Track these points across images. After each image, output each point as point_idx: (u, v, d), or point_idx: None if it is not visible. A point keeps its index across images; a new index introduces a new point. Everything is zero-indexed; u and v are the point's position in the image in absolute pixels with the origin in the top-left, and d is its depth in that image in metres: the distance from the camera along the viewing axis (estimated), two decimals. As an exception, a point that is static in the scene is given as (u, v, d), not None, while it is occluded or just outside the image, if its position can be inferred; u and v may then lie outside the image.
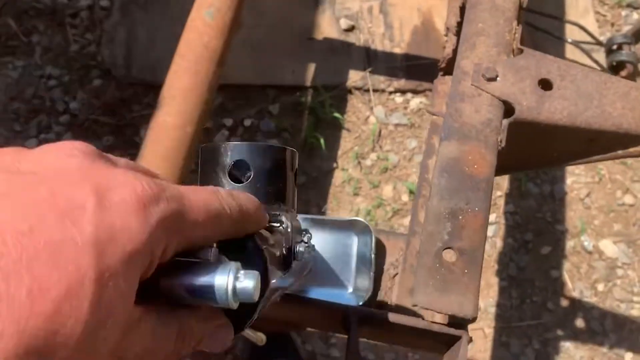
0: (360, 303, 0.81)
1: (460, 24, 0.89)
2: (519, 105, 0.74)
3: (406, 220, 1.60)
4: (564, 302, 1.52)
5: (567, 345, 1.47)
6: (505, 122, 0.74)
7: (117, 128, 1.71)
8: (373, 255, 0.78)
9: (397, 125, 1.73)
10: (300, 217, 0.80)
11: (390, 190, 1.64)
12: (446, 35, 0.97)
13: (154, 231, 0.25)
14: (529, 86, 0.76)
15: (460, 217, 0.69)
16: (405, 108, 1.76)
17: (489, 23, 0.82)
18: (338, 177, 1.67)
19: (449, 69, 0.97)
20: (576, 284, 1.53)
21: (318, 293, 0.82)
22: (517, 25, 0.82)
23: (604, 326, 1.48)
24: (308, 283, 0.76)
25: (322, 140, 1.66)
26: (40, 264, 0.21)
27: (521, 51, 0.79)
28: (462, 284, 0.65)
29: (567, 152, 0.85)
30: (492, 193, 0.72)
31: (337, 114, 1.71)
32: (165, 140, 1.08)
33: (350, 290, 0.82)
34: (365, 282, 0.80)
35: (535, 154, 0.87)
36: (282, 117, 1.74)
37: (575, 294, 1.52)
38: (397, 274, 0.86)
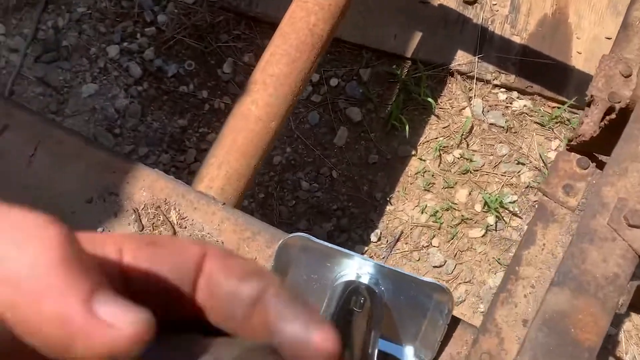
0: None
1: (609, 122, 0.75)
2: (657, 269, 0.63)
3: (473, 232, 1.51)
4: (611, 362, 1.44)
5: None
6: (635, 283, 0.63)
7: (201, 54, 1.62)
8: (446, 326, 0.73)
9: (492, 125, 1.58)
10: (378, 264, 0.75)
11: (465, 195, 1.53)
12: (589, 104, 0.82)
13: None
14: (676, 247, 0.63)
15: (547, 387, 0.61)
16: (507, 108, 1.59)
17: (652, 146, 0.68)
18: (413, 166, 1.56)
19: (577, 148, 0.84)
20: (631, 347, 1.45)
21: (382, 344, 0.79)
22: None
23: (645, 397, 1.41)
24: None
25: (406, 126, 1.54)
26: None
27: (681, 197, 0.65)
28: None
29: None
30: None
31: (430, 98, 1.57)
32: (246, 132, 1.00)
33: (413, 350, 0.78)
34: (429, 349, 0.76)
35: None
36: (371, 85, 1.61)
37: (627, 358, 1.44)
38: (454, 370, 0.80)
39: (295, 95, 1.04)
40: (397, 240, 1.51)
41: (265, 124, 1.01)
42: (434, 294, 0.74)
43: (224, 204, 0.86)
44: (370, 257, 1.46)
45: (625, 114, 0.74)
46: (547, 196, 0.85)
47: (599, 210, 0.65)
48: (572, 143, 0.84)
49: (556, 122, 1.58)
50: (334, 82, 1.60)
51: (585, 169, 0.85)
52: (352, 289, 0.74)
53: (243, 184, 0.99)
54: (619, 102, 0.76)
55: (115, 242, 0.22)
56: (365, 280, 0.78)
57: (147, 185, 0.86)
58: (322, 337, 0.21)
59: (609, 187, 0.66)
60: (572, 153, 0.86)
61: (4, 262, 0.18)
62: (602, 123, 0.77)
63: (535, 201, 1.52)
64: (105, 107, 1.56)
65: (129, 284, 0.22)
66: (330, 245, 0.76)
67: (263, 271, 0.23)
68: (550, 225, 0.85)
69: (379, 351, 0.79)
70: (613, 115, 0.76)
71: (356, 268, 0.79)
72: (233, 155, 0.98)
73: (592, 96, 0.81)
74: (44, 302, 0.18)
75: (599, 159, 0.85)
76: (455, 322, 0.82)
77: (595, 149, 0.86)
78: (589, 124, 0.80)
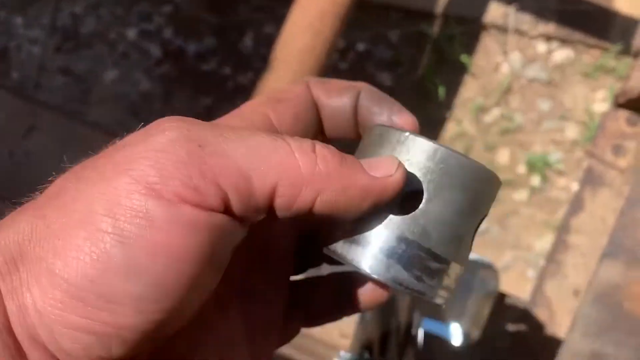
0: (465, 345, 0.73)
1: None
2: None
3: (517, 195, 1.43)
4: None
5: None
6: (698, 249, 0.56)
7: (220, 29, 1.57)
8: (493, 301, 0.68)
9: (532, 80, 1.48)
10: None
11: (507, 157, 1.45)
12: (636, 54, 0.74)
13: None
14: None
15: (603, 368, 0.55)
16: (547, 60, 1.49)
17: None
18: (449, 130, 1.48)
19: (626, 105, 0.76)
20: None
21: (426, 323, 0.75)
22: None
23: None
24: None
25: (440, 88, 1.46)
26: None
27: None
28: None
29: None
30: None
31: (464, 56, 1.48)
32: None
33: (459, 327, 0.74)
34: (476, 326, 0.72)
35: None
36: (401, 47, 1.52)
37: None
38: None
39: (320, 68, 0.98)
40: (437, 208, 1.45)
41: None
42: (480, 270, 0.69)
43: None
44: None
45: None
46: (594, 158, 0.78)
47: (654, 169, 0.58)
48: (620, 100, 0.76)
49: (601, 72, 1.46)
50: (360, 47, 1.53)
51: (635, 126, 0.77)
52: None
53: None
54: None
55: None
56: None
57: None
58: (404, 121, 0.27)
59: (665, 142, 0.58)
60: (621, 110, 0.78)
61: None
62: (654, 70, 0.69)
63: (582, 158, 1.42)
64: (129, 91, 1.54)
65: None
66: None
67: (353, 84, 0.29)
68: (599, 190, 0.77)
69: (425, 331, 0.75)
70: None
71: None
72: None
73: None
74: (344, 183, 0.23)
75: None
76: (502, 297, 0.77)
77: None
78: (638, 78, 0.72)
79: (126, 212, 0.20)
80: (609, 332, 0.55)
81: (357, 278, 0.28)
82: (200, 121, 0.23)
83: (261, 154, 0.22)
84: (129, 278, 0.20)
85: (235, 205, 0.22)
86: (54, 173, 0.23)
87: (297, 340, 0.67)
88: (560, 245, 0.74)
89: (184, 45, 1.56)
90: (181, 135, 0.22)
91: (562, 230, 0.75)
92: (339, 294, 0.28)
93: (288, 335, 0.30)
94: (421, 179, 0.24)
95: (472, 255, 0.66)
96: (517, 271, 1.40)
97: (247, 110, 0.27)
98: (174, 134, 0.22)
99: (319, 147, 0.23)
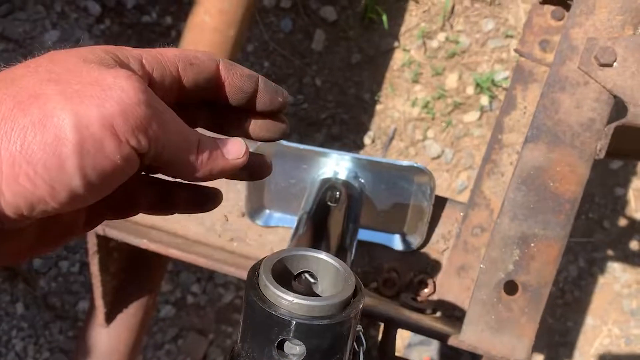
0: (408, 250, 0.76)
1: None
2: (636, 106, 0.58)
3: (468, 117, 1.46)
4: (622, 222, 1.42)
5: (614, 267, 1.42)
6: (612, 125, 0.59)
7: (158, -21, 1.54)
8: (431, 206, 0.71)
9: (473, 0, 1.49)
10: (355, 157, 0.72)
11: (455, 80, 1.47)
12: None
13: None
14: (654, 80, 0.59)
15: (532, 245, 0.59)
16: (487, -20, 1.50)
17: (619, -26, 0.62)
18: (397, 58, 1.49)
19: (552, 0, 0.78)
20: (641, 204, 1.42)
21: (369, 235, 0.78)
22: (658, -20, 0.61)
23: (660, 251, 1.40)
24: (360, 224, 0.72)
25: (384, 17, 1.46)
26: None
27: (655, 24, 0.60)
28: (519, 325, 0.58)
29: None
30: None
31: (405, -17, 1.48)
32: (204, 45, 0.95)
33: (400, 236, 0.77)
34: (418, 233, 0.75)
35: (638, 149, 0.72)
36: (341, -20, 1.51)
37: (637, 215, 1.42)
38: (446, 248, 0.79)
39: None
40: (392, 138, 1.48)
41: (223, 33, 0.95)
42: (415, 177, 0.71)
43: (189, 121, 0.82)
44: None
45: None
46: (523, 56, 0.80)
47: (568, 55, 0.60)
48: (543, -7, 0.78)
49: (541, -14, 1.48)
50: (301, -17, 1.52)
51: (560, 20, 0.79)
52: (328, 186, 0.72)
53: (211, 100, 0.95)
54: None
55: (173, 64, 0.34)
56: (342, 175, 0.75)
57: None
58: (284, 99, 0.39)
59: (577, 29, 0.61)
60: (546, 5, 0.80)
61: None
62: (569, -37, 0.70)
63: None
64: (73, 52, 1.51)
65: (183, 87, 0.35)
66: (302, 146, 0.73)
67: (253, 73, 0.38)
68: (530, 86, 0.80)
69: (369, 242, 0.78)
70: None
71: (333, 165, 0.77)
72: (194, 72, 0.94)
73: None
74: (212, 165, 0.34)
75: (574, 5, 0.78)
76: (442, 201, 0.80)
77: (569, -5, 0.80)
78: (559, -31, 0.74)
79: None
80: (536, 214, 0.59)
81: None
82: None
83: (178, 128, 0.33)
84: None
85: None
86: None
87: (237, 259, 0.68)
88: (495, 144, 0.77)
89: (122, -2, 1.53)
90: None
91: (496, 129, 0.78)
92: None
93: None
94: None
95: (406, 162, 0.69)
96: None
97: (167, 56, 0.35)
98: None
99: (202, 146, 0.33)
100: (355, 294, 0.35)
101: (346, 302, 0.33)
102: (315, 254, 0.37)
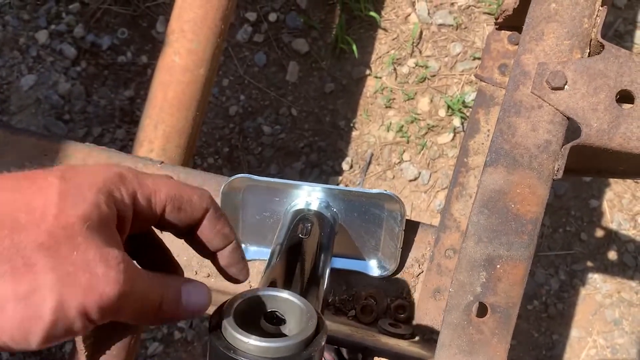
0: (384, 275, 0.77)
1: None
2: (588, 127, 0.61)
3: (441, 138, 1.49)
4: (599, 233, 1.45)
5: (594, 277, 1.44)
6: (567, 146, 0.61)
7: (131, 19, 1.57)
8: (402, 232, 0.72)
9: (441, 25, 1.54)
10: (326, 187, 0.74)
11: (427, 104, 1.51)
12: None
13: None
14: (603, 101, 0.61)
15: (497, 267, 0.60)
16: (452, 5, 1.54)
17: (565, 2, 0.65)
18: (370, 85, 1.53)
19: (506, 25, 0.81)
20: (615, 215, 1.45)
21: (343, 262, 0.79)
22: (601, 6, 0.65)
23: (637, 260, 1.43)
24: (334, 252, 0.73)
25: (354, 46, 1.50)
26: None
27: (602, 48, 0.63)
28: (490, 346, 0.59)
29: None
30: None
31: (373, 12, 1.52)
32: (175, 85, 0.97)
33: (376, 262, 0.78)
34: (392, 258, 0.76)
35: (598, 166, 0.75)
36: (311, 11, 1.55)
37: (613, 226, 1.45)
38: (421, 272, 0.80)
39: (218, 36, 1.00)
40: (369, 163, 1.50)
41: (193, 73, 0.97)
42: (385, 204, 0.73)
43: (162, 162, 0.84)
44: (346, 185, 1.45)
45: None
46: (484, 81, 0.83)
47: (521, 80, 0.63)
48: (499, 20, 0.81)
49: (505, 9, 1.53)
50: (272, 17, 1.55)
51: (517, 45, 0.83)
52: (300, 218, 0.73)
53: (185, 139, 0.97)
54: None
55: (161, 206, 0.37)
56: (314, 206, 0.76)
57: (81, 160, 0.84)
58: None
59: (528, 54, 0.63)
60: (502, 31, 0.84)
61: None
62: (519, -8, 0.74)
63: (497, 93, 1.49)
64: (49, 95, 1.52)
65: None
66: (273, 180, 0.74)
67: (230, 234, 0.41)
68: (492, 110, 0.83)
69: (344, 270, 0.79)
70: (527, -19, 0.73)
71: (305, 196, 0.78)
72: (167, 111, 0.96)
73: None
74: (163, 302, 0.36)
75: (528, 31, 0.82)
76: (414, 226, 0.81)
77: (523, 21, 0.83)
78: (511, -2, 0.77)
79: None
80: (500, 236, 0.61)
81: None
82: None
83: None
84: None
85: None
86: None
87: (215, 295, 0.69)
88: (461, 167, 0.79)
89: (97, 40, 1.55)
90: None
91: (462, 153, 0.80)
92: None
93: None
94: None
95: (375, 190, 0.71)
96: (452, 210, 1.47)
97: (159, 197, 0.37)
98: None
99: (164, 306, 0.35)
100: (318, 330, 0.36)
101: (307, 341, 0.34)
102: (279, 294, 0.38)
